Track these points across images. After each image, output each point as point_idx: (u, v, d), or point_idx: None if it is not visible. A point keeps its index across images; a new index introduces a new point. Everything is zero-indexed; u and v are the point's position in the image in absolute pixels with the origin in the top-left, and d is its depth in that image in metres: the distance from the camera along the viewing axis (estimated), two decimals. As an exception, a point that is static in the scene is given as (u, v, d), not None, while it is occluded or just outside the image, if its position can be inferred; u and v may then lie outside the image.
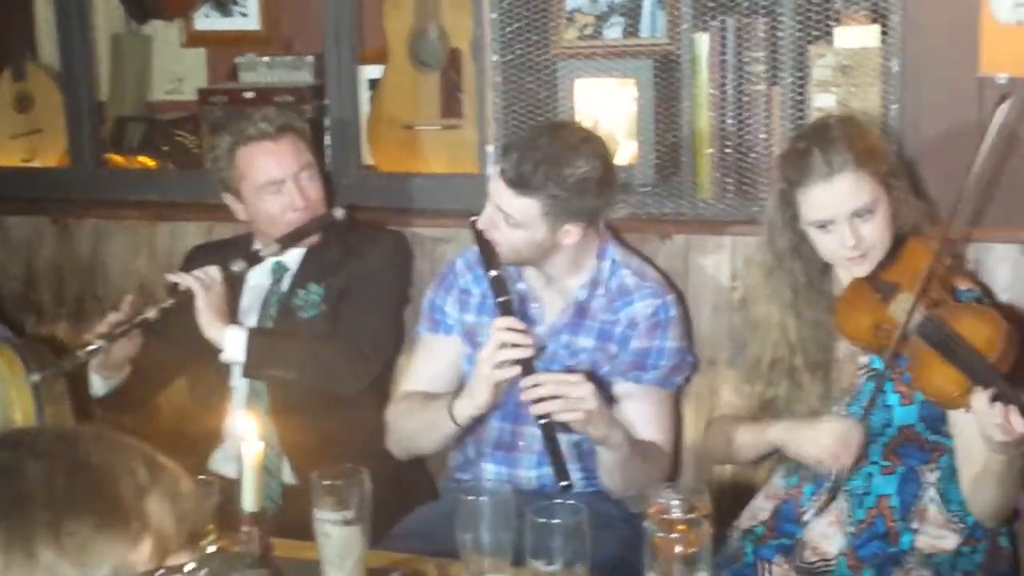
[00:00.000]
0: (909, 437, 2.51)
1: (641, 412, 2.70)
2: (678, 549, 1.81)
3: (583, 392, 2.46)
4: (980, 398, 2.20)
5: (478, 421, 2.71)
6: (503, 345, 2.50)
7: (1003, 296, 2.81)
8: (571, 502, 1.94)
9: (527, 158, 2.57)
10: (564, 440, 2.57)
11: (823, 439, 2.44)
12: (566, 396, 2.45)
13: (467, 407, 2.60)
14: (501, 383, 2.54)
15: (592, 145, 2.65)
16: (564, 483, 2.46)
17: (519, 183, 2.57)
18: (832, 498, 2.51)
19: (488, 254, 2.63)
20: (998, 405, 2.17)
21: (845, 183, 2.42)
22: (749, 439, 2.63)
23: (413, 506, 2.81)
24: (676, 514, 1.97)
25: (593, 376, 2.57)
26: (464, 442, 2.83)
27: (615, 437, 2.55)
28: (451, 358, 2.80)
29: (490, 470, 2.79)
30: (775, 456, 2.68)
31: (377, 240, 3.18)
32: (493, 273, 2.61)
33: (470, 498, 2.00)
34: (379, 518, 2.15)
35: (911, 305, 2.37)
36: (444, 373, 2.82)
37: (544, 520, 1.89)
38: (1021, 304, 2.81)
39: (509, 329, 2.52)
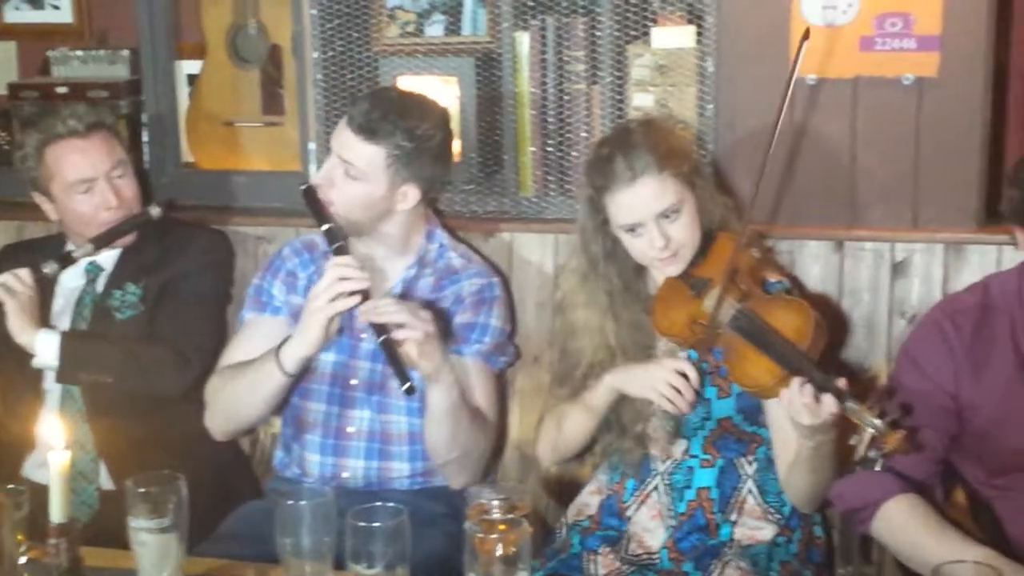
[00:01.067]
0: (728, 429, 2.56)
1: (466, 383, 2.70)
2: (498, 549, 1.81)
3: (425, 315, 2.50)
4: (792, 385, 2.26)
5: (303, 398, 2.73)
6: (340, 280, 2.50)
7: (818, 287, 2.91)
8: (391, 505, 1.92)
9: (377, 107, 2.62)
10: (393, 431, 2.66)
11: (661, 372, 2.47)
12: (408, 317, 2.47)
13: (298, 346, 2.58)
14: (334, 319, 2.54)
15: (439, 112, 2.72)
16: (406, 386, 2.47)
17: (367, 129, 2.61)
18: (677, 433, 2.57)
19: (321, 211, 2.65)
20: (808, 388, 2.23)
21: (649, 186, 2.47)
22: (580, 411, 2.63)
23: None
24: (496, 514, 1.97)
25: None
26: (288, 437, 2.80)
27: (446, 376, 2.56)
28: (276, 336, 2.71)
29: (314, 464, 2.76)
30: (599, 452, 2.72)
31: (196, 238, 3.12)
32: (326, 226, 2.63)
33: (289, 503, 1.97)
34: (202, 521, 2.10)
35: (721, 298, 2.43)
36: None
37: (364, 524, 1.87)
38: (834, 298, 2.91)
39: (345, 266, 2.52)
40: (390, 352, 2.49)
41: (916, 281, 2.86)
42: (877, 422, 2.15)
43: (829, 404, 2.21)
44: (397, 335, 2.47)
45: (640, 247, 2.52)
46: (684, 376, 2.45)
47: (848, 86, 2.82)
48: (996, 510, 2.42)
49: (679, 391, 2.44)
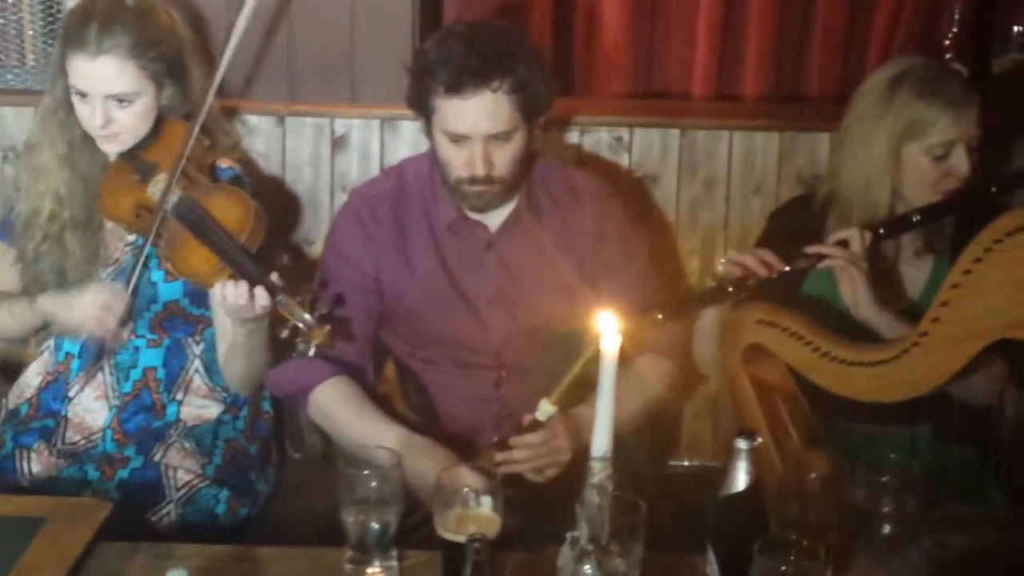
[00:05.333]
0: (174, 312, 2.59)
1: None
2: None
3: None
4: (229, 280, 2.31)
5: None
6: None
7: (262, 164, 2.95)
8: None
9: None
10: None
11: (86, 304, 2.47)
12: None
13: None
14: None
15: None
16: None
17: None
18: (98, 362, 2.57)
19: None
20: (242, 282, 2.29)
21: (111, 64, 2.45)
22: (20, 312, 2.59)
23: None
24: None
25: None
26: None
27: None
28: None
29: None
30: (43, 331, 2.67)
31: None
32: None
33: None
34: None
35: (166, 186, 2.43)
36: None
37: None
38: (277, 174, 2.97)
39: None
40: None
41: (355, 155, 2.97)
42: (307, 317, 2.25)
43: (261, 298, 2.28)
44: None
45: (84, 116, 2.51)
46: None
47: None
48: (422, 380, 2.62)
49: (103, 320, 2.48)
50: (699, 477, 2.99)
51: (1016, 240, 1.97)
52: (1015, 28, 3.08)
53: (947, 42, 3.05)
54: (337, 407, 2.47)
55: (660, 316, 2.32)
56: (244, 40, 2.80)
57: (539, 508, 2.18)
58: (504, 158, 2.41)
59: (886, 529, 1.89)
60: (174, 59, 2.55)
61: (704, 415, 3.08)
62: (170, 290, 2.57)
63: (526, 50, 2.42)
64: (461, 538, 1.81)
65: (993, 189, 2.53)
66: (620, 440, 2.32)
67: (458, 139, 2.39)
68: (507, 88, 2.35)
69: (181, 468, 2.47)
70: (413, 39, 2.92)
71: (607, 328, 1.82)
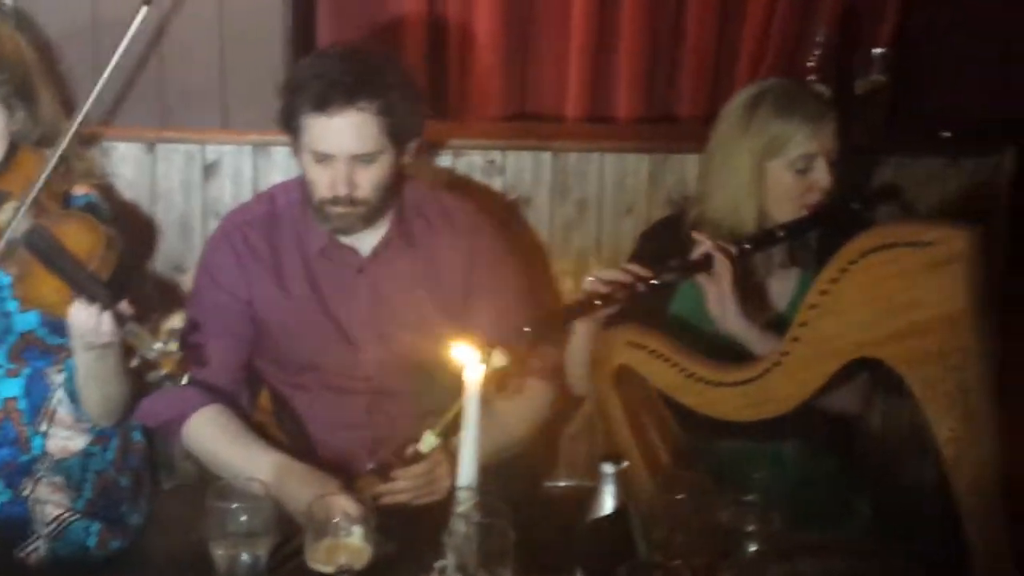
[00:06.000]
0: (32, 341, 2.53)
1: None
2: None
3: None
4: (79, 306, 2.27)
5: None
6: None
7: (128, 194, 2.91)
8: None
9: None
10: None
11: None
12: None
13: None
14: None
15: None
16: None
17: None
18: None
19: None
20: (93, 309, 2.25)
21: None
22: None
23: None
24: None
25: None
26: None
27: None
28: None
29: None
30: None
31: None
32: None
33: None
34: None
35: (16, 214, 2.38)
36: None
37: None
38: (143, 202, 2.93)
39: None
40: None
41: (227, 182, 2.95)
42: (155, 346, 2.20)
43: (105, 324, 2.24)
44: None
45: None
46: None
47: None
48: (295, 406, 2.60)
49: None
50: (577, 497, 3.01)
51: (870, 260, 2.02)
52: (876, 50, 3.16)
53: (812, 64, 3.12)
54: (213, 435, 2.45)
55: (528, 329, 2.34)
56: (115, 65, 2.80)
57: (414, 535, 2.19)
58: (368, 180, 2.42)
59: (752, 548, 1.93)
60: (22, 83, 2.50)
61: (582, 435, 3.10)
62: (24, 320, 2.50)
63: (397, 74, 2.43)
64: (330, 569, 1.81)
65: (855, 206, 2.61)
66: (498, 464, 2.35)
67: (323, 158, 2.40)
68: (374, 110, 2.36)
69: (50, 502, 2.43)
70: (285, 63, 2.91)
71: (469, 359, 1.83)
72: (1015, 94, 3.33)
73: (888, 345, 2.04)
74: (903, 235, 2.00)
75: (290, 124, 2.42)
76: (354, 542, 1.92)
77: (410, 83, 2.46)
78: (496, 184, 3.03)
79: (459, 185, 2.98)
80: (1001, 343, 2.00)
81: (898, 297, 2.00)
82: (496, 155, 3.01)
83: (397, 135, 2.42)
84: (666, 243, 2.63)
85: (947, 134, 3.20)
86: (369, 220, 2.49)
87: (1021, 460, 2.22)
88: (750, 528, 1.95)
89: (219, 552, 1.90)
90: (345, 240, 2.52)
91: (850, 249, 2.05)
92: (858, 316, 2.06)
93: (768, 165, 2.52)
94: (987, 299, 1.97)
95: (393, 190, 2.51)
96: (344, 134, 2.37)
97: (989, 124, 3.26)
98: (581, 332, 2.52)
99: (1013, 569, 1.97)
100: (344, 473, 2.42)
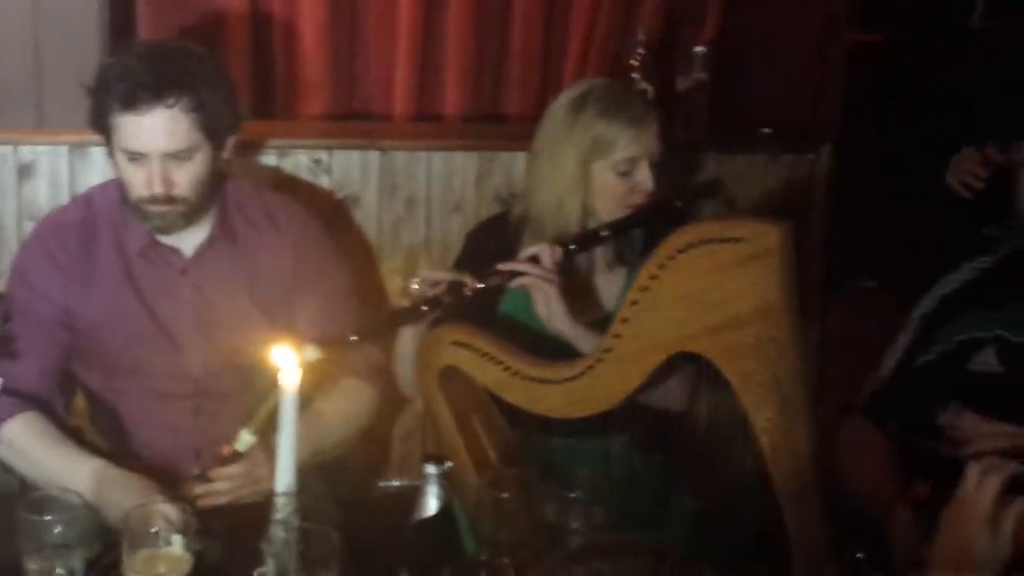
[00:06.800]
0: None
1: None
2: None
3: None
4: None
5: None
6: None
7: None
8: None
9: None
10: None
11: None
12: None
13: None
14: None
15: None
16: None
17: None
18: None
19: None
20: None
21: None
22: None
23: None
24: None
25: None
26: None
27: None
28: None
29: None
30: None
31: None
32: None
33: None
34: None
35: None
36: None
37: None
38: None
39: None
40: None
41: (43, 183, 2.87)
42: None
43: None
44: None
45: None
46: None
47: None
48: (117, 412, 2.54)
49: None
50: (410, 497, 3.00)
51: (687, 256, 2.05)
52: (697, 48, 3.23)
53: (635, 62, 3.17)
54: (29, 443, 2.37)
55: (355, 337, 2.32)
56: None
57: (240, 537, 2.15)
58: (184, 177, 2.37)
59: (574, 543, 1.94)
60: None
61: (414, 434, 3.10)
62: None
63: (207, 69, 2.39)
64: (147, 581, 1.77)
65: (678, 203, 2.65)
66: (324, 465, 2.33)
67: (135, 157, 2.35)
68: (184, 106, 2.32)
69: None
70: (103, 60, 2.83)
71: (285, 361, 1.81)
72: (830, 93, 3.44)
73: (705, 339, 2.06)
74: (716, 231, 2.03)
75: (101, 124, 2.37)
76: (174, 551, 1.87)
77: (221, 77, 2.42)
78: (323, 183, 3.00)
79: (285, 185, 2.94)
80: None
81: (713, 292, 2.03)
82: (323, 154, 2.99)
83: (211, 131, 2.38)
84: (492, 242, 2.63)
85: (767, 131, 3.28)
86: (190, 218, 2.44)
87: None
88: (574, 524, 1.97)
89: (33, 567, 1.84)
90: (167, 241, 2.47)
91: (667, 246, 2.08)
92: (676, 311, 2.08)
93: (593, 166, 2.53)
94: (798, 292, 2.03)
95: (213, 187, 2.46)
96: (155, 132, 2.32)
97: (807, 122, 3.36)
98: (407, 333, 2.51)
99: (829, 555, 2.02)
100: (170, 478, 2.37)
